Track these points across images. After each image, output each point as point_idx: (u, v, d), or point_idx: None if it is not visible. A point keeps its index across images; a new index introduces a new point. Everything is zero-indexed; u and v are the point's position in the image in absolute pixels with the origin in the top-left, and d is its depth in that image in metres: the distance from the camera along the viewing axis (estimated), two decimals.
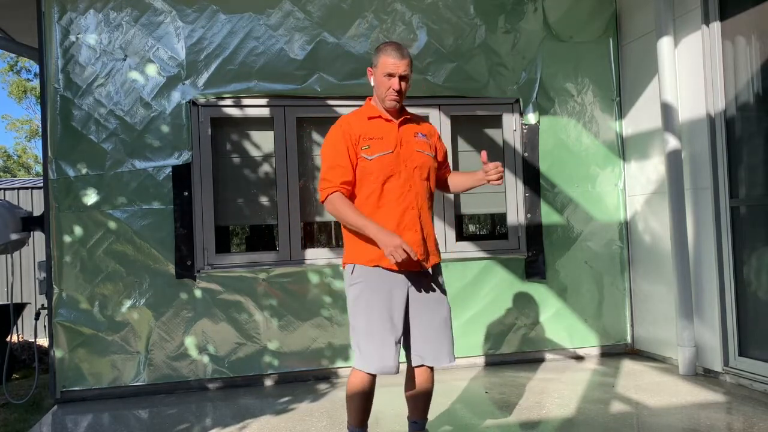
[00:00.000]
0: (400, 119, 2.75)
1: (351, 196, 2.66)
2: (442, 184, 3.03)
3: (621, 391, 4.04)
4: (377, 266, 2.61)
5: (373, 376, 2.66)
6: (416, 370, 2.75)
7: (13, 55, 21.41)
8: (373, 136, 2.66)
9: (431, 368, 2.77)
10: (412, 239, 2.63)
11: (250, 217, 4.81)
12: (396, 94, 2.65)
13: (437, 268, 2.78)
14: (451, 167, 3.12)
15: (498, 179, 2.78)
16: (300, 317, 4.63)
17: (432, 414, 3.71)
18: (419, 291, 2.68)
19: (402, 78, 2.64)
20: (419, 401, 2.83)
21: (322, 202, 2.65)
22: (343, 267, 2.74)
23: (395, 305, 2.62)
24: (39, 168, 25.29)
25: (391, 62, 2.63)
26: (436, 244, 2.80)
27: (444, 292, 2.77)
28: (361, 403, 2.69)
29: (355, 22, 4.80)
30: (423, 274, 2.70)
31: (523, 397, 3.98)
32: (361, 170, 2.64)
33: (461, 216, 5.58)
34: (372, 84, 2.74)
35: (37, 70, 23.25)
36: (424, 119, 2.94)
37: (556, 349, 5.03)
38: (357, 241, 2.65)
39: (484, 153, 2.85)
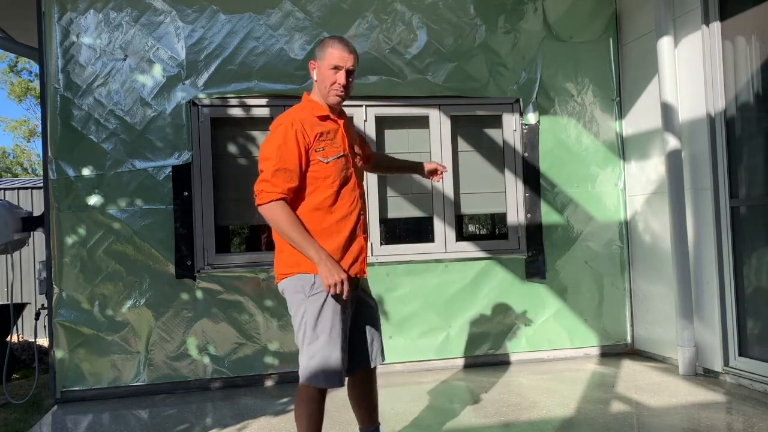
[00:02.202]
0: (343, 119, 2.65)
1: (291, 203, 2.48)
2: (370, 165, 3.02)
3: (621, 391, 4.04)
4: None
5: (325, 390, 2.55)
6: (364, 374, 2.73)
7: (13, 55, 21.42)
8: (325, 137, 2.51)
9: (374, 370, 2.78)
10: (360, 245, 2.61)
11: (251, 217, 4.81)
12: (342, 89, 2.50)
13: None
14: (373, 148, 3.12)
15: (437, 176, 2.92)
16: None
17: (432, 414, 3.72)
18: (361, 297, 2.67)
19: (349, 72, 2.51)
20: (372, 405, 2.80)
21: (260, 204, 2.43)
22: (283, 277, 2.53)
23: (348, 312, 2.56)
24: (32, 166, 25.32)
25: (337, 54, 2.49)
26: None
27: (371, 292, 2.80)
28: (321, 413, 2.56)
29: (355, 22, 4.80)
30: (364, 279, 2.70)
31: (523, 397, 3.98)
32: (314, 174, 2.48)
33: (461, 216, 5.58)
34: (314, 78, 2.57)
35: (38, 71, 23.26)
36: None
37: (556, 349, 5.03)
38: None
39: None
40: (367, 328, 2.69)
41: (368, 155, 2.94)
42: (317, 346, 2.47)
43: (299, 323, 2.51)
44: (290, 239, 2.43)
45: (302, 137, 2.45)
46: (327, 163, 2.49)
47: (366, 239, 2.68)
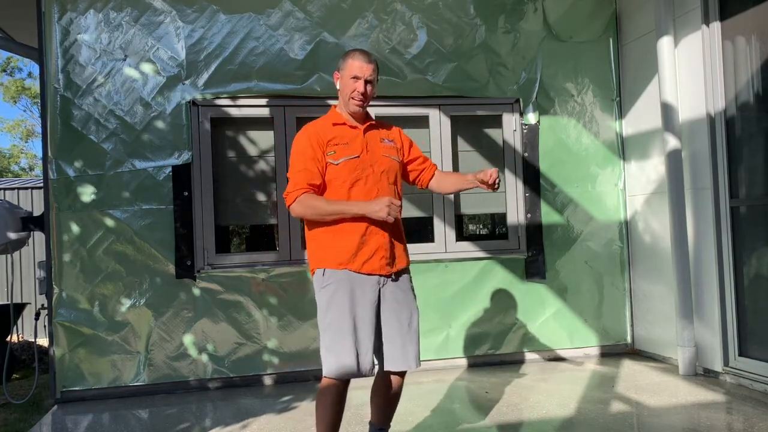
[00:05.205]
0: (365, 125, 2.77)
1: None
2: (430, 184, 3.02)
3: (621, 391, 4.04)
4: (346, 269, 2.61)
5: (347, 383, 2.62)
6: (388, 375, 2.74)
7: (4, 58, 21.43)
8: (338, 141, 2.67)
9: (402, 374, 2.77)
10: (380, 242, 2.65)
11: (250, 217, 4.81)
12: (361, 96, 2.67)
13: (406, 271, 2.78)
14: (435, 163, 3.08)
15: (492, 184, 2.67)
16: (300, 317, 4.63)
17: (432, 414, 3.72)
18: (389, 295, 2.68)
19: (367, 82, 2.67)
20: (388, 407, 2.83)
21: (290, 206, 2.61)
22: (312, 273, 2.70)
23: (367, 308, 2.60)
24: (24, 163, 25.40)
25: (357, 65, 2.66)
26: (405, 249, 2.80)
27: (413, 295, 2.78)
28: (336, 413, 2.62)
29: (355, 22, 4.80)
30: (391, 278, 2.71)
31: (524, 397, 3.98)
32: (328, 175, 2.65)
33: (461, 216, 5.58)
34: (338, 88, 2.75)
35: (31, 70, 23.13)
36: (390, 124, 2.95)
37: (556, 349, 5.03)
38: (325, 244, 2.63)
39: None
40: (393, 331, 2.68)
41: (427, 166, 3.01)
42: (327, 337, 2.60)
43: (319, 314, 2.66)
44: (327, 214, 2.59)
45: (315, 142, 2.64)
46: (337, 164, 2.64)
47: (389, 237, 2.68)
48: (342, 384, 2.61)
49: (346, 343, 2.56)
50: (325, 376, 2.61)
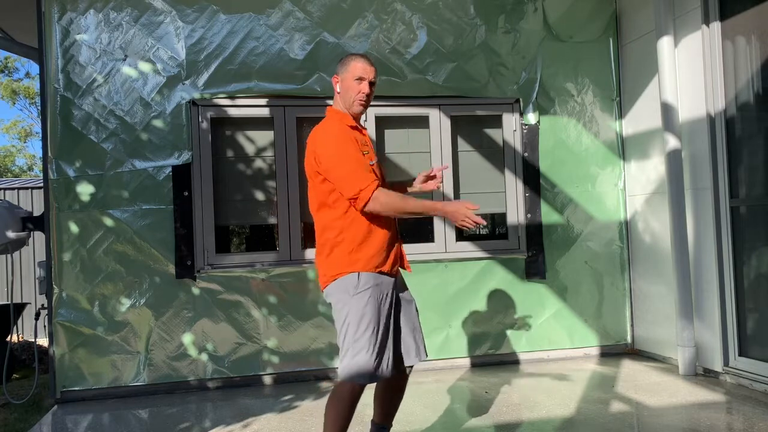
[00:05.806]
0: (365, 130, 2.81)
1: (343, 206, 2.61)
2: None
3: (621, 391, 4.04)
4: (381, 271, 2.61)
5: (363, 386, 2.61)
6: (403, 372, 2.75)
7: (3, 56, 21.41)
8: (362, 142, 2.69)
9: (409, 370, 2.80)
10: (397, 242, 2.74)
11: (250, 217, 4.81)
12: (365, 98, 2.68)
13: None
14: None
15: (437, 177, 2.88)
16: (300, 317, 4.63)
17: (432, 414, 3.72)
18: (401, 292, 2.74)
19: (371, 83, 2.69)
20: (394, 404, 2.85)
21: (366, 203, 2.49)
22: (333, 277, 2.60)
23: (392, 310, 2.64)
24: (23, 163, 25.42)
25: (361, 66, 2.67)
26: None
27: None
28: (350, 417, 2.60)
29: (355, 22, 4.80)
30: (400, 276, 2.78)
31: (523, 396, 3.98)
32: None
33: None
34: (338, 91, 2.73)
35: (28, 70, 23.06)
36: None
37: (556, 349, 5.03)
38: (357, 247, 2.59)
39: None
40: (407, 327, 2.72)
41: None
42: (361, 343, 2.53)
43: (342, 322, 2.58)
44: (409, 211, 2.55)
45: (353, 138, 2.62)
46: (372, 165, 2.64)
47: (399, 237, 2.78)
48: (362, 388, 2.60)
49: (380, 349, 2.55)
50: (350, 381, 2.55)
